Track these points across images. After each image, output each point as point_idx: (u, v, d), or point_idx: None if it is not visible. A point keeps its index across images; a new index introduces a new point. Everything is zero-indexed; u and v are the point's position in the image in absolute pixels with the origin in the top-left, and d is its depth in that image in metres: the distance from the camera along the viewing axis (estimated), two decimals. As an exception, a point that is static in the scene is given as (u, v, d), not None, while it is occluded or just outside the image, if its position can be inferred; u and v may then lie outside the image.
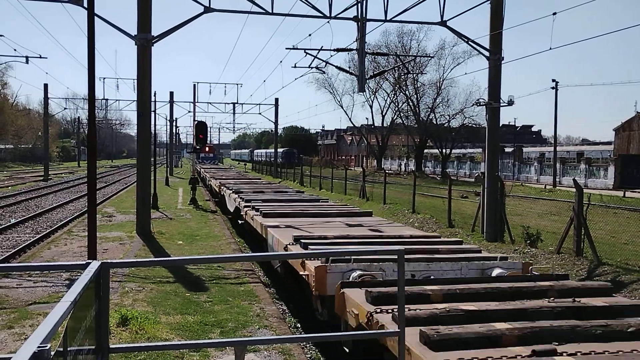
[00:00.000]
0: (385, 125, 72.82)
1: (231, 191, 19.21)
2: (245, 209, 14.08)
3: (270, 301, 9.50)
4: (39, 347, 1.75)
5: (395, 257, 3.79)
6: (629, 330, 4.60)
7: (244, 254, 13.54)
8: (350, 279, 6.62)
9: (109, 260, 3.17)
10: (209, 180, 32.40)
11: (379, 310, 5.18)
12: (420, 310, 5.05)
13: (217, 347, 6.58)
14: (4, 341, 7.03)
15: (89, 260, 3.16)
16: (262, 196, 17.25)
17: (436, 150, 66.46)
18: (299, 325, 9.31)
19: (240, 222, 15.79)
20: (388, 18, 17.72)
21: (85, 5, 10.09)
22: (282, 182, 43.82)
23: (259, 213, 12.69)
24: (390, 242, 8.70)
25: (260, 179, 35.46)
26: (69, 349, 2.19)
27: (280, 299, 10.75)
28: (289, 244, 8.66)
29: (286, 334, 7.64)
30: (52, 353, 1.85)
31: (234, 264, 12.12)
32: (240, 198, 16.42)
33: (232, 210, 18.13)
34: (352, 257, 6.92)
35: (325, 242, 8.49)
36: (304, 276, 7.40)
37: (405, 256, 4.14)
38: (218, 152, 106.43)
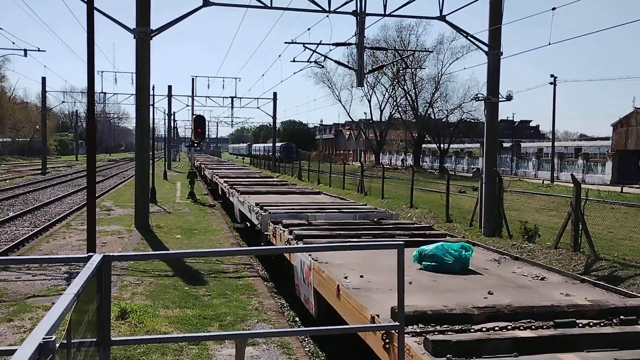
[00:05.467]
0: (383, 120, 72.78)
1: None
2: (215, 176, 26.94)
3: (269, 295, 9.52)
4: (44, 338, 1.76)
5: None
6: None
7: (242, 248, 13.55)
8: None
9: (110, 253, 3.18)
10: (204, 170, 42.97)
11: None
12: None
13: (219, 339, 6.58)
14: (4, 334, 7.04)
15: (90, 253, 3.17)
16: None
17: (434, 145, 66.48)
18: (297, 319, 9.33)
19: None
20: (387, 12, 17.70)
21: (84, -2, 10.06)
22: (280, 176, 43.78)
23: (218, 176, 25.18)
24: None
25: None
26: (72, 341, 2.20)
27: (278, 293, 10.78)
28: (225, 185, 18.61)
29: (285, 328, 7.66)
30: (57, 345, 1.86)
31: (233, 258, 12.14)
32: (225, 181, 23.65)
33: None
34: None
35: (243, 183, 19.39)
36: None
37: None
38: (213, 145, 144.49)
